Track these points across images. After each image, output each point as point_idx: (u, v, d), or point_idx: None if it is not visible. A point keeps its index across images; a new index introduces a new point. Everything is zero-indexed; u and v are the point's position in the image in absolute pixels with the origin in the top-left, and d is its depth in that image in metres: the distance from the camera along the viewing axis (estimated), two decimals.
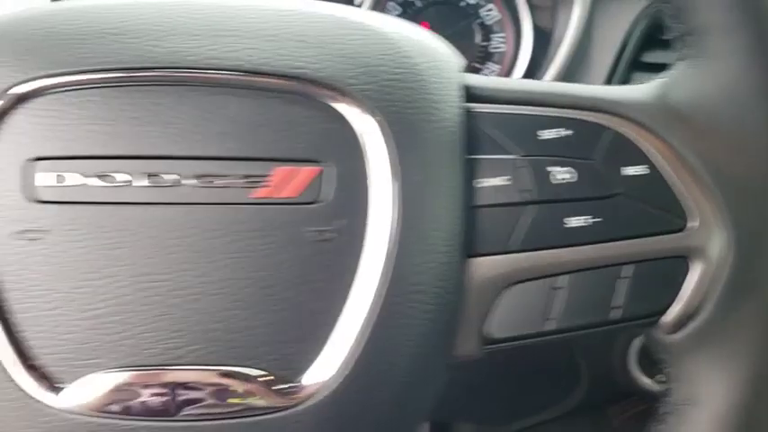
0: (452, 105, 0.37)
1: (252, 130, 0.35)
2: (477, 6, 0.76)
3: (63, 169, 0.34)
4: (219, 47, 0.35)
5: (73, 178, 0.34)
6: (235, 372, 0.35)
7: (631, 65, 0.70)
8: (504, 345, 0.38)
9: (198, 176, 0.34)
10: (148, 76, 0.35)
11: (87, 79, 0.35)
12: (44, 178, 0.34)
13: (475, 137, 0.38)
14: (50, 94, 0.35)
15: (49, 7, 0.37)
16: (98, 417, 0.34)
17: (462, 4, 0.76)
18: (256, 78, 0.35)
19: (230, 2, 0.38)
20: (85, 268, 0.34)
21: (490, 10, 0.76)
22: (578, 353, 0.71)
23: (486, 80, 0.41)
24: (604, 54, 0.71)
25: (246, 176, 0.35)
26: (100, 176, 0.34)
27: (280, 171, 0.35)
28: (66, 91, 0.35)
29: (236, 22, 0.36)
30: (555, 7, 0.73)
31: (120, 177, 0.34)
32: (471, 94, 0.39)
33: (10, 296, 0.34)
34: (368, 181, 0.35)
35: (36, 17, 0.36)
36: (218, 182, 0.35)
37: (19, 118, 0.35)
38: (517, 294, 0.38)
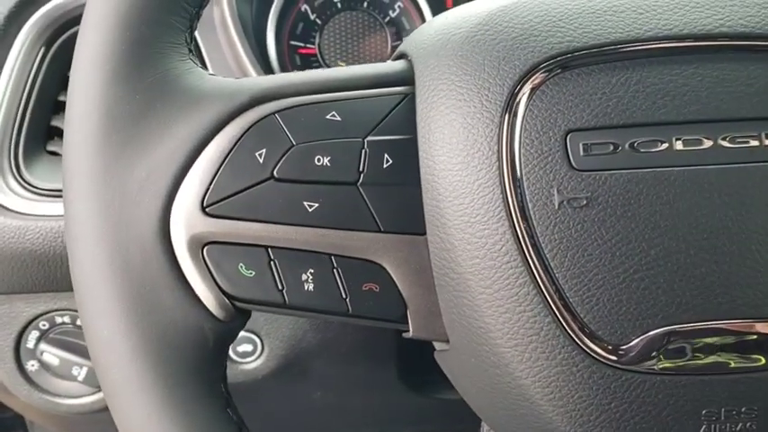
0: None
1: None
2: None
3: (597, 138, 0.36)
4: (723, 16, 0.37)
5: (606, 147, 0.36)
6: None
7: None
8: None
9: (730, 138, 0.36)
10: (665, 48, 0.37)
11: (620, 49, 0.36)
12: (581, 147, 0.36)
13: None
14: (581, 66, 0.36)
15: None
16: (657, 373, 0.36)
17: None
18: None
19: None
20: (627, 233, 0.35)
21: None
22: None
23: None
24: None
25: None
26: (631, 143, 0.36)
27: None
28: (594, 64, 0.36)
29: None
30: None
31: (656, 143, 0.36)
32: None
33: (557, 264, 0.35)
34: None
35: None
36: (753, 141, 0.36)
37: (555, 89, 0.36)
38: None
